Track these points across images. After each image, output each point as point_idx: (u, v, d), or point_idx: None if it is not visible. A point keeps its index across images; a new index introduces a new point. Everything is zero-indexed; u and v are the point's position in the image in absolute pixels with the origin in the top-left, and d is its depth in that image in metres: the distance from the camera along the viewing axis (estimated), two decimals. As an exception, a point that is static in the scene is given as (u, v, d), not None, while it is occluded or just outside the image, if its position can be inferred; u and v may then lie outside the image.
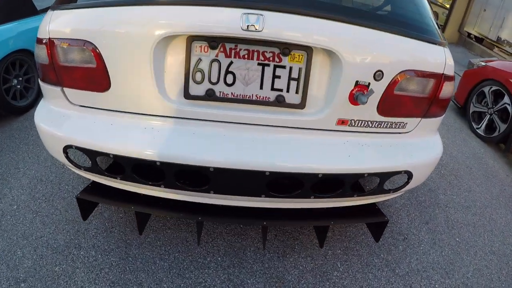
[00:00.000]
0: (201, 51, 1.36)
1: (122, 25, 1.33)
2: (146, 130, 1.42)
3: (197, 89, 1.41)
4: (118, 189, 1.62)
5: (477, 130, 3.80)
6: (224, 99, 1.43)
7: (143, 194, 1.61)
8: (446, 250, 2.12)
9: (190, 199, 1.56)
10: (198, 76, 1.39)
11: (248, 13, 1.28)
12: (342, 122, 1.48)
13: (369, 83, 1.41)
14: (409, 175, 1.56)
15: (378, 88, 1.43)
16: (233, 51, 1.36)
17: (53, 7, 1.44)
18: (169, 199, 1.59)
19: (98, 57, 1.36)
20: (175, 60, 1.38)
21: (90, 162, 1.46)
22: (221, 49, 1.36)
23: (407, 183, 1.61)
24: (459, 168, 3.07)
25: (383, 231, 1.72)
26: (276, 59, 1.38)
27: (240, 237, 2.00)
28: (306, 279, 1.81)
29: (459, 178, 2.92)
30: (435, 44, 1.52)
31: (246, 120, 1.45)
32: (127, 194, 1.61)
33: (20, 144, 2.70)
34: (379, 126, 1.53)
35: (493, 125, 3.63)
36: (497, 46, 7.31)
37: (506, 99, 3.46)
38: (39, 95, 3.28)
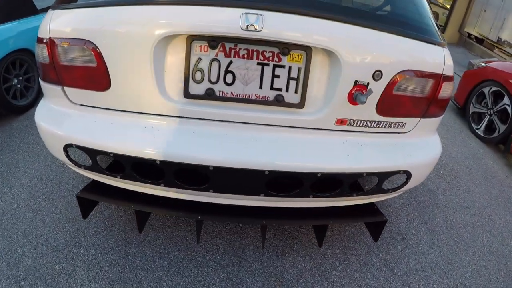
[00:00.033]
0: (201, 51, 1.37)
1: (122, 24, 1.34)
2: (146, 129, 1.43)
3: (197, 89, 1.42)
4: (118, 187, 1.62)
5: (476, 130, 3.80)
6: (224, 99, 1.43)
7: (143, 193, 1.62)
8: (444, 250, 2.13)
9: (189, 198, 1.56)
10: (198, 76, 1.40)
11: (248, 13, 1.29)
12: (341, 121, 1.49)
13: (368, 83, 1.41)
14: (407, 175, 1.57)
15: (377, 88, 1.44)
16: (232, 50, 1.37)
17: (54, 7, 1.45)
18: (168, 197, 1.59)
19: (99, 56, 1.37)
20: (175, 59, 1.38)
21: (90, 161, 1.47)
22: (221, 49, 1.36)
23: (405, 183, 1.62)
24: (458, 169, 3.07)
25: (382, 230, 1.72)
26: (276, 59, 1.39)
27: (239, 236, 2.01)
28: (304, 278, 1.82)
29: (458, 178, 2.93)
30: (434, 44, 1.52)
31: (245, 119, 1.45)
32: (127, 193, 1.62)
33: (20, 143, 2.70)
34: (378, 126, 1.54)
35: (493, 126, 3.64)
36: (497, 47, 7.31)
37: (506, 100, 3.46)
38: (39, 95, 3.29)
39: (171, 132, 1.43)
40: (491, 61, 4.09)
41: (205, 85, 1.41)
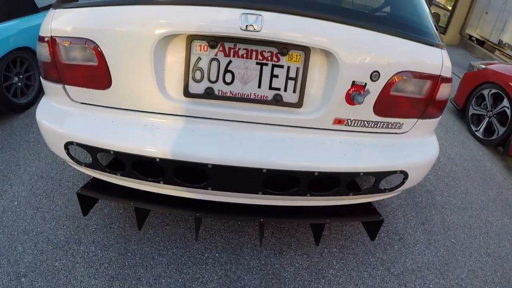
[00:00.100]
0: (200, 50, 1.38)
1: (123, 24, 1.36)
2: (146, 127, 1.45)
3: (196, 88, 1.43)
4: (118, 185, 1.64)
5: (475, 132, 3.81)
6: (223, 97, 1.45)
7: (143, 191, 1.64)
8: (441, 251, 2.14)
9: (188, 196, 1.58)
10: (198, 75, 1.41)
11: (247, 13, 1.30)
12: (338, 121, 1.51)
13: (365, 84, 1.43)
14: (404, 175, 1.58)
15: (375, 89, 1.45)
16: (232, 50, 1.38)
17: (55, 6, 1.46)
18: (168, 195, 1.61)
19: (100, 55, 1.38)
20: (175, 58, 1.40)
21: (90, 158, 1.48)
22: (220, 48, 1.38)
23: (402, 183, 1.63)
24: (456, 170, 3.09)
25: (379, 230, 1.74)
26: (274, 59, 1.40)
27: (238, 234, 2.02)
28: (301, 276, 1.83)
29: (456, 180, 2.94)
30: (433, 46, 1.53)
31: (244, 118, 1.47)
32: (127, 190, 1.64)
33: (21, 141, 2.72)
34: (375, 126, 1.55)
35: (492, 128, 3.65)
36: (498, 49, 7.31)
37: (505, 102, 3.47)
38: (39, 93, 3.31)
39: (171, 131, 1.45)
40: (492, 63, 4.10)
41: (205, 84, 1.43)
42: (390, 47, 1.46)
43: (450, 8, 9.18)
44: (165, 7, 1.35)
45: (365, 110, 1.50)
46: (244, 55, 1.39)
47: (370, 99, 1.47)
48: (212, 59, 1.39)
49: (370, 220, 1.73)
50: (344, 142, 1.53)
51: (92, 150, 1.44)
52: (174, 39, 1.37)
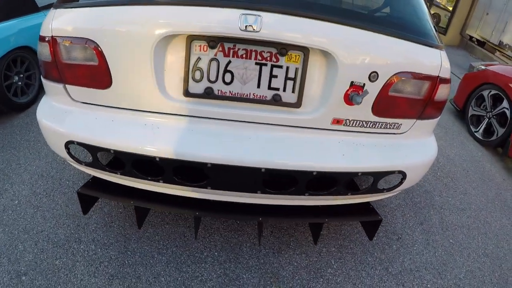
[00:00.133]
0: (200, 50, 1.39)
1: (123, 24, 1.37)
2: (146, 127, 1.46)
3: (196, 87, 1.44)
4: (118, 184, 1.65)
5: (475, 133, 3.82)
6: (222, 97, 1.46)
7: (143, 189, 1.64)
8: (439, 251, 2.15)
9: (188, 195, 1.59)
10: (197, 75, 1.42)
11: (247, 14, 1.31)
12: (337, 121, 1.51)
13: (364, 84, 1.44)
14: (403, 175, 1.59)
15: (373, 89, 1.46)
16: (231, 50, 1.39)
17: (56, 6, 1.47)
18: (167, 194, 1.62)
19: (100, 55, 1.39)
20: (175, 58, 1.41)
21: (91, 157, 1.49)
22: (220, 49, 1.39)
23: (401, 183, 1.64)
24: (455, 171, 3.09)
25: (377, 230, 1.75)
26: (273, 59, 1.41)
27: (237, 233, 2.03)
28: (300, 275, 1.84)
29: (455, 180, 2.94)
30: (431, 46, 1.54)
31: (243, 118, 1.48)
32: (126, 189, 1.65)
33: (21, 140, 2.73)
34: (373, 126, 1.56)
35: (491, 129, 3.65)
36: (499, 50, 7.32)
37: (505, 103, 3.48)
38: (40, 92, 3.32)
39: (170, 130, 1.46)
40: (492, 64, 4.11)
41: (204, 84, 1.44)
42: (389, 48, 1.46)
43: (450, 8, 9.19)
44: (165, 8, 1.36)
45: (363, 110, 1.51)
46: (244, 55, 1.40)
47: (369, 100, 1.48)
48: (212, 59, 1.40)
49: (369, 219, 1.74)
50: (343, 142, 1.54)
51: (93, 149, 1.45)
52: (174, 39, 1.38)
